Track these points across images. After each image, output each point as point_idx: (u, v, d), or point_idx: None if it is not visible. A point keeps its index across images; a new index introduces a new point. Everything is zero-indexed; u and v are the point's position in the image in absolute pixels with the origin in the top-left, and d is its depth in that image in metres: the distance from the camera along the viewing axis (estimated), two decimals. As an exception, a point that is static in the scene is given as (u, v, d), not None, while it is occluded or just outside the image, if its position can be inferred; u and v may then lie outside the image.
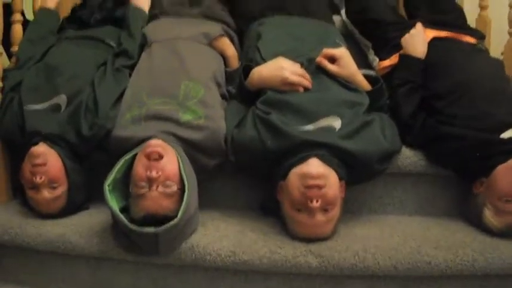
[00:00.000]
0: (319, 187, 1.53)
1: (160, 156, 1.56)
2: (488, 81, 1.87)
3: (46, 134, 1.76)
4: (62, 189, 1.74)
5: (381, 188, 1.87)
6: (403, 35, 2.03)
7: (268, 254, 1.58)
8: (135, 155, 1.63)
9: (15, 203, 1.89)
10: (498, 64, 2.03)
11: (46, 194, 1.71)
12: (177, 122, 1.72)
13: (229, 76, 2.01)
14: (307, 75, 1.77)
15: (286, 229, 1.65)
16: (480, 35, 2.20)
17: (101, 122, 1.76)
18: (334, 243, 1.62)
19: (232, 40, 2.17)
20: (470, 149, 1.72)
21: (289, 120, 1.68)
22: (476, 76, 1.88)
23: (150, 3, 2.25)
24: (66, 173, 1.74)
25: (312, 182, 1.53)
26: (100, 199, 1.57)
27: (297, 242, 1.61)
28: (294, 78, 1.75)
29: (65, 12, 2.38)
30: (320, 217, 1.55)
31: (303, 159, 1.58)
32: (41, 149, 1.73)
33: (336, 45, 1.92)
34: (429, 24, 2.12)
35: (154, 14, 2.22)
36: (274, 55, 1.85)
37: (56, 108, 1.83)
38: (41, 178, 1.69)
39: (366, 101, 1.77)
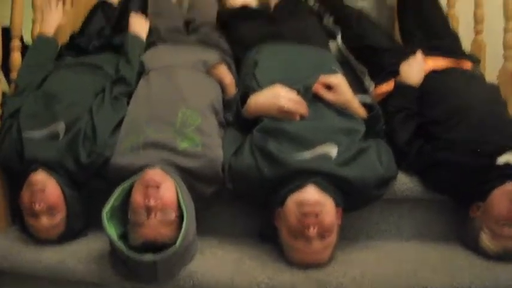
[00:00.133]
0: (316, 214, 1.53)
1: (158, 185, 1.56)
2: (485, 106, 1.88)
3: (44, 162, 1.76)
4: (60, 216, 1.74)
5: (378, 214, 1.87)
6: (399, 61, 2.06)
7: (267, 280, 1.59)
8: (133, 182, 1.63)
9: (14, 229, 1.88)
10: (494, 88, 2.04)
11: (45, 220, 1.71)
12: (174, 150, 1.72)
13: (227, 103, 2.01)
14: (304, 103, 1.78)
15: (284, 256, 1.66)
16: (475, 59, 2.22)
17: (99, 150, 1.76)
18: (332, 269, 1.62)
19: (229, 67, 2.17)
20: (467, 174, 1.72)
21: (285, 148, 1.68)
22: (473, 101, 1.89)
23: (147, 31, 2.28)
24: (65, 200, 1.74)
25: (308, 209, 1.54)
26: (98, 226, 1.57)
27: (295, 269, 1.61)
28: (291, 106, 1.75)
29: (64, 39, 2.40)
30: (317, 244, 1.55)
31: (300, 187, 1.59)
32: (40, 176, 1.73)
33: (332, 72, 1.92)
34: (427, 50, 2.13)
35: (152, 41, 2.25)
36: (271, 82, 1.85)
37: (55, 135, 1.83)
38: (40, 205, 1.69)
39: (362, 128, 1.78)
